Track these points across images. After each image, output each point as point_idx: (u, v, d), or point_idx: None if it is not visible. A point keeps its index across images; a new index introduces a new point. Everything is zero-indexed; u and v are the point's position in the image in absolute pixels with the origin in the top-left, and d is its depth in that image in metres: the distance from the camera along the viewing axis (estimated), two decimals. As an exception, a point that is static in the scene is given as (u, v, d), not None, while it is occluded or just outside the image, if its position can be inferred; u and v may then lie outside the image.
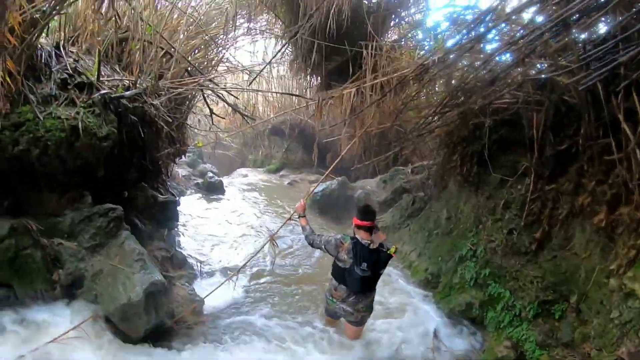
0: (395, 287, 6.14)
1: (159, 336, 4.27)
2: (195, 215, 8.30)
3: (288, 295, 5.67)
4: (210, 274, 6.11)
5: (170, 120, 6.06)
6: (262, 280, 6.07)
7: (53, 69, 4.54)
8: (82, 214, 4.39)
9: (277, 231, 5.59)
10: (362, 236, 4.16)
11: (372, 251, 4.11)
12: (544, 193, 4.60)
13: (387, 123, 6.79)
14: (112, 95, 4.70)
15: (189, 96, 8.20)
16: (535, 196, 4.66)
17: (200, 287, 5.51)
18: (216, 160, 15.21)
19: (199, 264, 6.19)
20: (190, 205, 8.80)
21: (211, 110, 8.27)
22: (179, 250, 6.22)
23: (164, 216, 6.07)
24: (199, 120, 9.77)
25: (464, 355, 4.70)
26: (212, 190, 10.18)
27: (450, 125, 5.85)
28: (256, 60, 10.28)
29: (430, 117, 6.09)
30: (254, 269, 6.32)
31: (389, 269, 6.55)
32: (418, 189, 8.02)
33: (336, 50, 7.14)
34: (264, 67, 8.92)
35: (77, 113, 4.30)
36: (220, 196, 10.09)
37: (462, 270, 5.44)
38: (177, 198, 8.16)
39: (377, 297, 5.35)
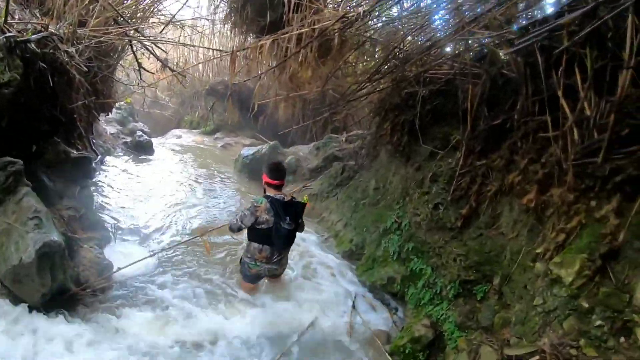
0: (317, 256, 5.56)
1: (61, 303, 3.69)
2: (118, 176, 7.25)
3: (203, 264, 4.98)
4: (126, 237, 5.33)
5: (87, 70, 5.14)
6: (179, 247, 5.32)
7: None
8: None
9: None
10: (273, 193, 4.01)
11: (289, 203, 3.99)
12: (474, 168, 4.13)
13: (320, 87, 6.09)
14: (18, 39, 3.99)
15: (116, 48, 7.05)
16: (465, 171, 4.18)
17: (113, 250, 4.85)
18: (151, 120, 13.92)
19: (113, 227, 5.36)
20: (114, 165, 7.70)
21: (139, 64, 7.18)
22: (93, 211, 5.34)
23: (77, 174, 5.24)
24: (127, 74, 8.54)
25: (383, 331, 4.24)
26: (140, 150, 9.11)
27: (383, 92, 5.21)
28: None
29: (365, 83, 5.41)
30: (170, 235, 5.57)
31: (313, 237, 6.07)
32: (350, 158, 7.45)
33: (271, 6, 6.26)
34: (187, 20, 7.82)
35: None
36: (149, 157, 9.02)
37: (386, 243, 4.93)
38: (99, 156, 7.14)
39: (299, 265, 5.10)
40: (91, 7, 5.42)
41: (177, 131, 12.87)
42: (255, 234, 4.02)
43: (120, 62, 7.57)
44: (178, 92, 14.38)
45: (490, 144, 4.05)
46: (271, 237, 3.94)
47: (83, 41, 5.05)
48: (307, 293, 4.62)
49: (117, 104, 9.41)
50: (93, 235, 4.66)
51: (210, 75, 13.37)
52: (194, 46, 9.76)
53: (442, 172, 4.38)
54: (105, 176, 7.01)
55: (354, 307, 4.48)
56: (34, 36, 4.10)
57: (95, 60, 6.17)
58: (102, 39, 5.36)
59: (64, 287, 3.67)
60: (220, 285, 4.54)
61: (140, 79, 7.33)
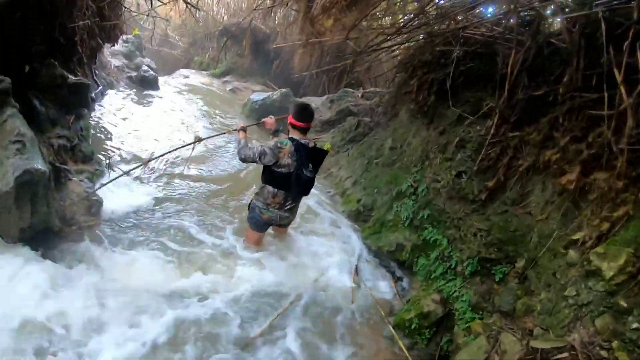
0: (322, 213, 5.25)
1: (42, 239, 3.36)
2: (118, 109, 6.76)
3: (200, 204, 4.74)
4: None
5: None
6: (175, 184, 5.06)
7: None
8: None
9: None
10: (298, 136, 3.62)
11: (314, 150, 3.67)
12: (506, 139, 3.68)
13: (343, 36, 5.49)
14: None
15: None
16: (496, 140, 3.73)
17: (106, 186, 4.40)
18: (160, 59, 13.30)
19: (107, 160, 4.99)
20: (115, 98, 7.19)
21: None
22: (87, 142, 4.92)
23: (73, 101, 4.74)
24: (137, 4, 7.85)
25: (386, 300, 3.96)
26: (145, 85, 8.60)
27: (412, 47, 4.64)
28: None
29: (393, 35, 4.83)
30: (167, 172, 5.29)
31: (318, 192, 5.73)
32: (365, 114, 6.94)
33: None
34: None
35: None
36: (153, 93, 8.46)
37: (398, 207, 4.56)
38: (100, 87, 6.62)
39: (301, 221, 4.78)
40: None
41: (184, 71, 12.23)
42: (272, 176, 3.64)
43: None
44: (190, 31, 13.58)
45: (527, 115, 3.59)
46: (289, 182, 3.61)
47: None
48: (308, 252, 4.33)
49: (124, 36, 8.76)
50: (85, 167, 4.32)
51: (225, 16, 12.50)
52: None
53: (470, 138, 3.93)
54: (104, 108, 6.57)
55: (356, 272, 4.20)
56: None
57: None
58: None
59: (47, 222, 3.32)
60: (220, 233, 4.25)
61: (152, 8, 6.66)
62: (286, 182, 3.62)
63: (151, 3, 6.45)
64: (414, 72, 4.73)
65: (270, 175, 3.66)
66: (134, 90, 8.15)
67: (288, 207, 3.82)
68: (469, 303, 3.34)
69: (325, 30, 6.36)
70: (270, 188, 3.71)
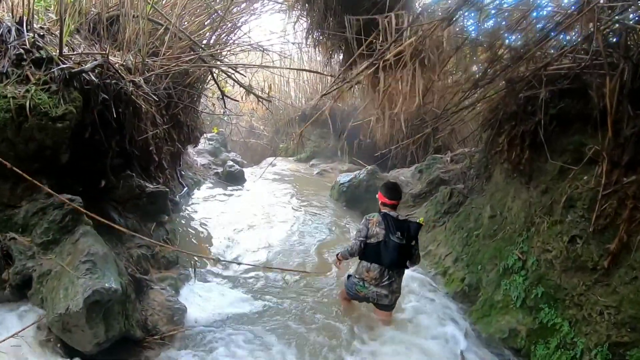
0: (422, 294, 5.02)
1: (124, 351, 3.47)
2: (204, 209, 7.38)
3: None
4: (208, 276, 5.14)
5: (157, 100, 5.18)
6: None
7: (9, 45, 3.88)
8: (36, 205, 3.70)
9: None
10: (388, 211, 4.05)
11: (402, 221, 4.01)
12: (622, 187, 3.30)
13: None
14: (73, 70, 3.93)
15: (198, 77, 7.36)
16: (610, 191, 3.36)
17: (192, 291, 4.62)
18: (247, 149, 14.48)
19: (194, 265, 5.16)
20: (202, 197, 7.89)
21: (222, 92, 7.38)
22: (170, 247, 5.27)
23: (153, 209, 5.16)
24: (213, 104, 8.91)
25: None
26: (231, 180, 9.25)
27: (494, 100, 4.53)
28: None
29: (470, 90, 4.80)
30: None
31: (418, 273, 5.51)
32: (457, 180, 6.74)
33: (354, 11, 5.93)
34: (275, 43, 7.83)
35: (27, 91, 3.68)
36: (240, 187, 9.13)
37: (506, 286, 4.18)
38: (185, 188, 7.34)
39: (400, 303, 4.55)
40: (165, 37, 5.59)
41: (271, 159, 13.10)
42: (365, 249, 4.01)
43: (204, 92, 7.86)
44: (272, 121, 14.81)
45: (640, 152, 3.20)
46: (380, 253, 3.90)
47: (154, 70, 5.21)
48: (408, 338, 4.11)
49: (207, 135, 9.80)
50: (168, 274, 4.53)
51: (303, 100, 13.52)
52: (275, 67, 9.83)
53: (578, 194, 3.56)
54: (191, 209, 7.10)
55: (462, 356, 3.85)
56: (88, 65, 4.01)
57: (175, 91, 6.42)
58: (173, 66, 5.52)
59: (127, 334, 3.46)
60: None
61: (225, 107, 7.49)
62: (377, 254, 3.90)
63: (224, 102, 7.25)
64: (501, 128, 4.55)
65: (364, 249, 4.01)
66: (221, 186, 8.82)
67: (385, 282, 3.95)
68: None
69: (400, 97, 6.54)
70: (364, 262, 4.02)
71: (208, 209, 7.28)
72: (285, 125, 14.15)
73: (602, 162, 3.44)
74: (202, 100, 8.67)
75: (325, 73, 7.61)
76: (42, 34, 4.22)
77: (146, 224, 5.04)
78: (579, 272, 3.41)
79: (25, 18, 4.13)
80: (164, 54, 5.58)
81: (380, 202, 4.17)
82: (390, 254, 3.89)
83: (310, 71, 7.86)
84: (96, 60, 4.22)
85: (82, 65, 4.05)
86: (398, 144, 8.45)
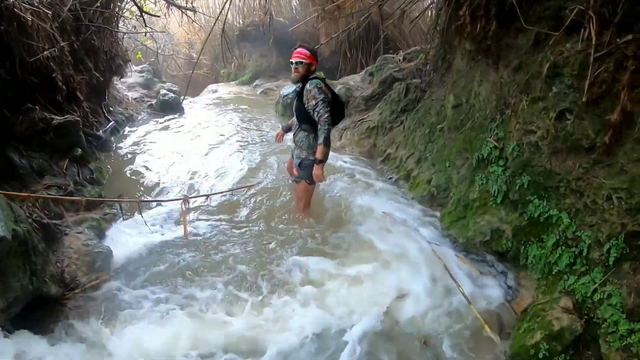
0: (385, 205, 4.37)
1: (42, 311, 2.80)
2: (136, 142, 6.36)
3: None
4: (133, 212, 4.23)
5: (49, 12, 3.99)
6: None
7: None
8: None
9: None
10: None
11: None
12: (617, 48, 2.59)
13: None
14: None
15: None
16: (603, 53, 2.65)
17: (119, 230, 3.88)
18: (190, 83, 13.06)
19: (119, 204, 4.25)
20: (132, 130, 6.82)
21: (140, 8, 6.07)
22: (91, 186, 4.37)
23: (63, 143, 4.25)
24: (134, 27, 7.51)
25: (491, 312, 2.96)
26: (167, 109, 8.14)
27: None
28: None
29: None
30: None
31: (379, 182, 5.01)
32: (413, 77, 5.96)
33: None
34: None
35: None
36: (176, 116, 8.03)
37: (482, 180, 3.58)
38: (111, 122, 6.26)
39: (366, 219, 4.14)
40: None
41: (212, 86, 11.85)
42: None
43: (122, 14, 6.51)
44: (210, 47, 13.29)
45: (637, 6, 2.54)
46: (335, 116, 3.67)
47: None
48: (380, 258, 3.51)
49: (136, 67, 8.52)
50: (89, 215, 3.74)
51: (240, 19, 12.01)
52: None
53: (565, 60, 2.85)
54: (123, 143, 6.17)
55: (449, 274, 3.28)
56: None
57: (84, 12, 5.18)
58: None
59: (38, 292, 2.76)
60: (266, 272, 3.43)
61: (145, 25, 6.23)
62: (333, 116, 3.62)
63: (143, 19, 5.98)
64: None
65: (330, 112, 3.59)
66: (156, 118, 7.72)
67: None
68: (621, 307, 2.29)
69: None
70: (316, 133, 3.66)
71: (141, 143, 6.29)
72: (224, 50, 12.67)
73: (589, 22, 2.72)
74: (121, 24, 7.24)
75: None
76: None
77: (57, 162, 4.14)
78: (573, 152, 2.78)
79: None
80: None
81: (310, 65, 3.65)
82: (341, 113, 3.86)
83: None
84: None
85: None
86: (347, 56, 7.57)
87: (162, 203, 4.42)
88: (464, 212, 3.71)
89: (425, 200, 4.44)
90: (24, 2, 3.64)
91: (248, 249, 3.70)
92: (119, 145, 6.10)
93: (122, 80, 8.38)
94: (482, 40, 3.63)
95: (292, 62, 3.65)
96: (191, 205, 4.34)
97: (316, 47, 3.91)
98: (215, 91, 11.10)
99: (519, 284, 3.09)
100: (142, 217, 3.75)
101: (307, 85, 3.56)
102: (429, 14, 7.26)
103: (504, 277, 3.24)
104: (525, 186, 3.08)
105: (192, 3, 5.96)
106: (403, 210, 4.29)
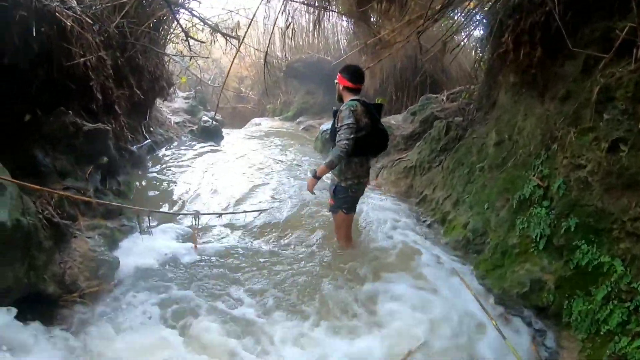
0: (416, 250, 4.00)
1: (35, 309, 2.69)
2: (169, 163, 6.40)
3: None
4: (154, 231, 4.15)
5: (91, 23, 4.17)
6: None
7: None
8: None
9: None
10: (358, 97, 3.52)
11: (377, 105, 3.73)
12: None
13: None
14: None
15: (159, 18, 6.24)
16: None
17: (134, 243, 3.81)
18: (235, 115, 13.66)
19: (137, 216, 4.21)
20: (169, 151, 6.91)
21: (186, 33, 6.28)
22: (113, 196, 4.38)
23: (90, 149, 4.28)
24: (180, 51, 7.79)
25: None
26: (207, 136, 8.19)
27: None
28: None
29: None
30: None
31: (411, 223, 4.71)
32: (455, 116, 5.67)
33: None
34: None
35: None
36: (214, 144, 8.10)
37: (523, 224, 3.17)
38: (147, 140, 6.35)
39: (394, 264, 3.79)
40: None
41: (256, 119, 12.02)
42: (356, 145, 3.36)
43: (170, 39, 6.79)
44: (258, 82, 13.73)
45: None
46: (370, 144, 3.51)
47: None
48: (406, 309, 3.09)
49: (183, 93, 8.80)
50: (104, 223, 3.70)
51: (288, 55, 12.34)
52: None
53: (617, 82, 2.50)
54: (157, 164, 6.20)
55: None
56: None
57: (131, 30, 5.42)
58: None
59: (35, 288, 2.72)
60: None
61: (190, 50, 6.42)
62: (369, 146, 3.52)
63: (188, 44, 6.17)
64: (505, 23, 3.47)
65: (353, 145, 3.36)
66: (195, 143, 7.80)
67: (367, 171, 3.72)
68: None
69: (388, 44, 5.49)
70: (356, 159, 3.53)
71: (174, 164, 6.32)
72: (272, 87, 13.01)
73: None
74: (170, 47, 7.58)
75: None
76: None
77: (82, 167, 4.15)
78: (629, 189, 2.37)
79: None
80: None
81: (342, 87, 3.55)
82: (381, 143, 3.66)
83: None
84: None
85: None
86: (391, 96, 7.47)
87: (179, 219, 4.34)
88: (502, 259, 3.30)
89: (460, 246, 4.04)
90: (66, 9, 3.79)
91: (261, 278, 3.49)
92: (153, 163, 6.15)
93: (168, 104, 8.63)
94: (527, 69, 3.34)
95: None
96: (219, 224, 4.35)
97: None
98: (258, 124, 11.27)
99: (559, 345, 2.62)
100: (148, 226, 3.71)
101: (341, 107, 3.42)
102: (472, 52, 7.07)
103: (541, 336, 2.76)
104: (572, 229, 2.66)
105: (236, 32, 6.08)
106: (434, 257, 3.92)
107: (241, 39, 5.94)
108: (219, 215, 4.47)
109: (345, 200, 3.66)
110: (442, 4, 3.77)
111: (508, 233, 3.36)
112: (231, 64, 5.59)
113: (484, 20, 3.99)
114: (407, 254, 3.90)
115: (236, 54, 5.78)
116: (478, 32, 5.55)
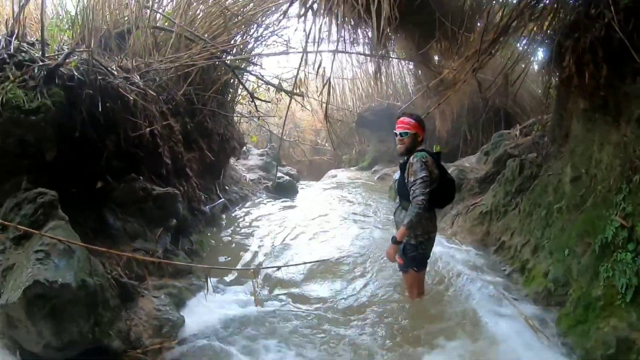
0: (497, 304, 3.61)
1: None
2: (243, 220, 6.54)
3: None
4: (228, 287, 4.29)
5: (154, 95, 4.58)
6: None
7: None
8: (13, 201, 3.43)
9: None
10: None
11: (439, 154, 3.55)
12: None
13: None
14: (50, 67, 3.68)
15: (224, 82, 6.70)
16: None
17: (201, 303, 3.84)
18: (312, 168, 13.92)
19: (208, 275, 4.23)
20: (244, 211, 7.09)
21: (251, 94, 6.65)
22: (183, 256, 4.51)
23: (160, 213, 4.53)
24: (249, 111, 8.22)
25: None
26: (281, 192, 8.36)
27: (549, 13, 3.19)
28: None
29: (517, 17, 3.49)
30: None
31: (489, 275, 4.31)
32: (529, 152, 5.20)
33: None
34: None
35: (2, 88, 3.49)
36: (289, 199, 8.23)
37: (607, 272, 2.70)
38: (221, 200, 6.59)
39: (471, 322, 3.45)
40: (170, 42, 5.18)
41: (332, 171, 12.09)
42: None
43: (237, 100, 7.22)
44: (333, 134, 14.05)
45: None
46: (439, 196, 3.35)
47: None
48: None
49: (257, 150, 9.18)
50: (172, 282, 3.85)
51: (357, 103, 12.53)
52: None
53: None
54: (231, 222, 6.34)
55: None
56: (61, 58, 3.68)
57: (197, 96, 5.84)
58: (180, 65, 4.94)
59: (99, 343, 2.87)
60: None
61: (257, 110, 6.73)
62: (440, 198, 3.39)
63: (254, 103, 6.49)
64: (564, 42, 3.15)
65: (427, 199, 3.21)
66: (270, 199, 7.95)
67: (435, 225, 3.55)
68: None
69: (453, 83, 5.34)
70: (426, 214, 3.31)
71: (248, 222, 6.44)
72: (347, 137, 13.18)
73: None
74: (239, 107, 8.06)
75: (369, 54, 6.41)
76: (32, 42, 4.13)
77: (152, 229, 4.38)
78: None
79: (15, 30, 3.97)
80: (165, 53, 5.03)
81: (416, 136, 3.33)
82: (450, 194, 3.51)
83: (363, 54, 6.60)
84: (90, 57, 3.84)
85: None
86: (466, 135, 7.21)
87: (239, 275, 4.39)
88: (585, 314, 2.82)
89: (541, 298, 3.56)
90: (130, 84, 4.18)
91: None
92: (227, 222, 6.33)
93: (243, 162, 9.04)
94: (594, 92, 2.97)
95: (396, 133, 3.36)
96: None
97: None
98: (335, 176, 11.33)
99: None
100: (209, 283, 3.73)
101: (411, 159, 3.23)
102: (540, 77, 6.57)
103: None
104: (664, 278, 2.18)
105: (299, 88, 6.29)
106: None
107: (304, 94, 6.14)
108: (278, 268, 4.43)
109: (416, 258, 3.46)
110: (492, 37, 3.54)
111: (591, 283, 2.89)
112: (285, 118, 5.69)
113: (546, 42, 3.67)
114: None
115: (301, 108, 5.97)
116: (541, 56, 5.17)
